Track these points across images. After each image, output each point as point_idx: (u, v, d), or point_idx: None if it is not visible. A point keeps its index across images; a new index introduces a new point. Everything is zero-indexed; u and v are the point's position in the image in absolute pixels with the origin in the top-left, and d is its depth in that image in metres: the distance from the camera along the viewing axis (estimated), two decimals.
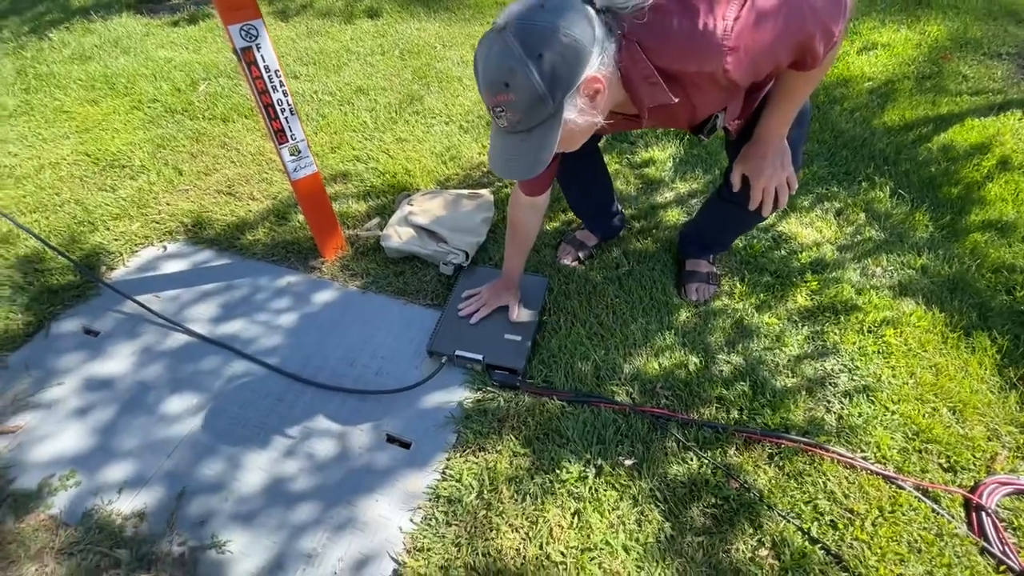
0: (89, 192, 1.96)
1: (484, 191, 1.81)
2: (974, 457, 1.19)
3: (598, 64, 0.79)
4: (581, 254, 1.65)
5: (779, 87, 1.01)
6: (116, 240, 1.77)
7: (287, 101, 1.32)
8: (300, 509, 1.15)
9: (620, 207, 1.70)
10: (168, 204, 1.91)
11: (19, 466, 1.22)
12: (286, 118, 1.34)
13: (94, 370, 1.42)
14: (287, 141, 1.37)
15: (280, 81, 1.29)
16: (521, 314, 1.43)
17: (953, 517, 1.10)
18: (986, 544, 1.06)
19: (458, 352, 1.35)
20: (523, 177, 0.88)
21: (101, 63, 2.75)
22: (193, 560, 1.07)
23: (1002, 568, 1.03)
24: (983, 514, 1.10)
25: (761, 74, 0.89)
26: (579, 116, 0.82)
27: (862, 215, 1.79)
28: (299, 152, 1.41)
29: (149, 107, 2.42)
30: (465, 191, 1.81)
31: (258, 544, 1.10)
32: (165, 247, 1.77)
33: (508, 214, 1.36)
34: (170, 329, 1.51)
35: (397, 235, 1.65)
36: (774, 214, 1.41)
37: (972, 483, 1.16)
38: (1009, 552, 1.05)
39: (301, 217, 1.82)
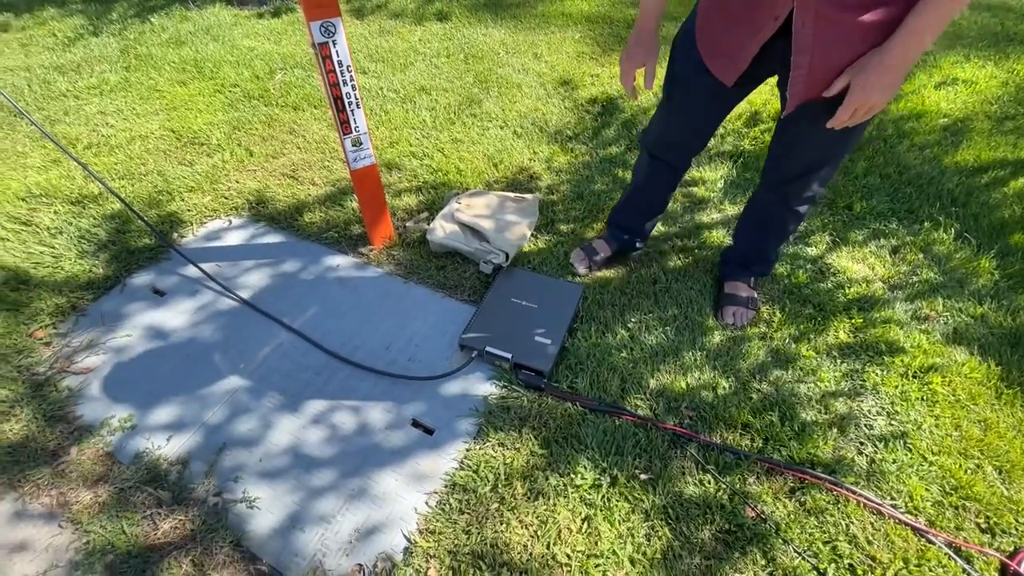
0: (170, 165, 2.13)
1: (530, 195, 1.85)
2: (1018, 522, 1.13)
3: None
4: (595, 261, 1.66)
5: None
6: (189, 211, 1.92)
7: (355, 95, 1.40)
8: (324, 476, 1.22)
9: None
10: (237, 182, 2.05)
11: (86, 403, 1.35)
12: (352, 111, 1.42)
13: (158, 326, 1.55)
14: (351, 132, 1.46)
15: (351, 76, 1.37)
16: (525, 346, 1.37)
17: None
18: None
19: (488, 348, 1.39)
20: None
21: (193, 48, 2.98)
22: (224, 511, 1.16)
23: None
24: None
25: None
26: None
27: (920, 255, 1.72)
28: (360, 144, 1.50)
29: (230, 91, 2.61)
30: (511, 194, 1.86)
31: (280, 502, 1.17)
32: (230, 221, 1.90)
33: None
34: (226, 296, 1.63)
35: (442, 230, 1.71)
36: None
37: (1012, 549, 1.09)
38: None
39: (355, 205, 1.92)
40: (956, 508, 1.15)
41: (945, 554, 1.07)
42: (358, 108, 1.43)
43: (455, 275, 1.68)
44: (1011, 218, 1.82)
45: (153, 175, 2.07)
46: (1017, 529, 1.12)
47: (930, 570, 1.05)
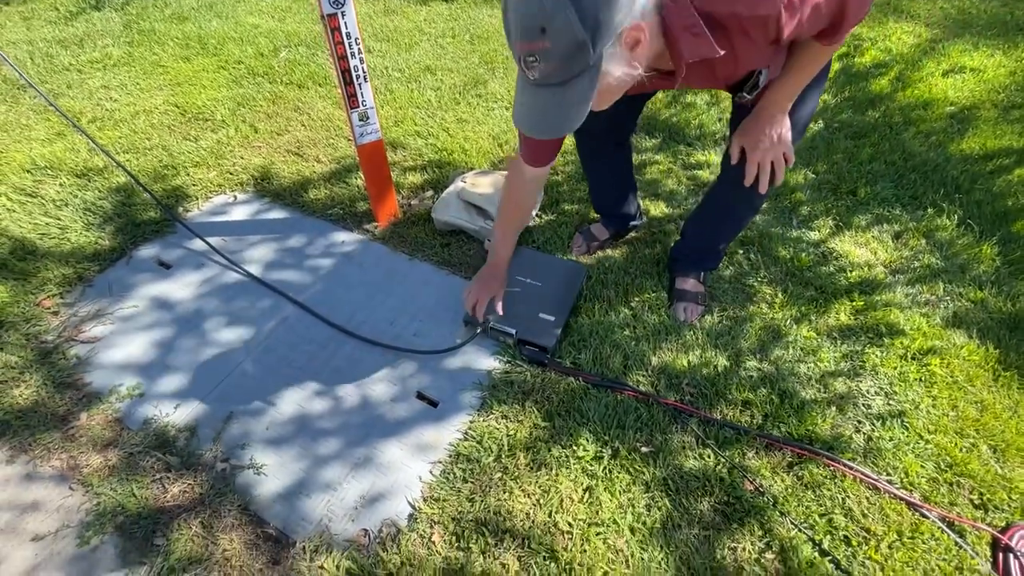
0: (175, 140, 2.13)
1: None
2: (1010, 499, 1.15)
3: (640, 10, 0.72)
4: (592, 246, 1.67)
5: (793, 59, 0.97)
6: (194, 185, 1.92)
7: (362, 68, 1.40)
8: (329, 445, 1.24)
9: (640, 206, 1.70)
10: (242, 158, 2.05)
11: (95, 371, 1.37)
12: (359, 84, 1.42)
13: (164, 297, 1.56)
14: (358, 106, 1.46)
15: (359, 48, 1.37)
16: (530, 323, 1.39)
17: (977, 554, 1.07)
18: None
19: (493, 324, 1.40)
20: (553, 136, 0.83)
21: (196, 24, 2.96)
22: (232, 476, 1.18)
23: None
24: (1011, 556, 1.06)
25: (804, 32, 0.84)
26: (617, 68, 0.75)
27: (923, 241, 1.72)
28: (367, 118, 1.50)
29: (234, 68, 2.59)
30: None
31: (286, 469, 1.19)
32: (235, 196, 1.90)
33: (504, 192, 1.28)
34: (232, 270, 1.64)
35: (447, 208, 1.72)
36: (763, 206, 1.34)
37: (1004, 524, 1.12)
38: None
39: (360, 182, 1.92)
40: (950, 484, 1.17)
41: (938, 528, 1.10)
42: (365, 82, 1.43)
43: (459, 253, 1.69)
44: (1014, 206, 1.83)
45: (158, 149, 2.07)
46: (1010, 505, 1.14)
47: (923, 543, 1.08)
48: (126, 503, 1.12)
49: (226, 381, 1.36)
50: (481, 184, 1.80)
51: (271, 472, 1.20)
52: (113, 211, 1.80)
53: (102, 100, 2.35)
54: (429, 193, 1.89)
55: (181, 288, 1.59)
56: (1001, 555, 1.07)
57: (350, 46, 1.35)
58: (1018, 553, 1.06)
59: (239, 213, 1.84)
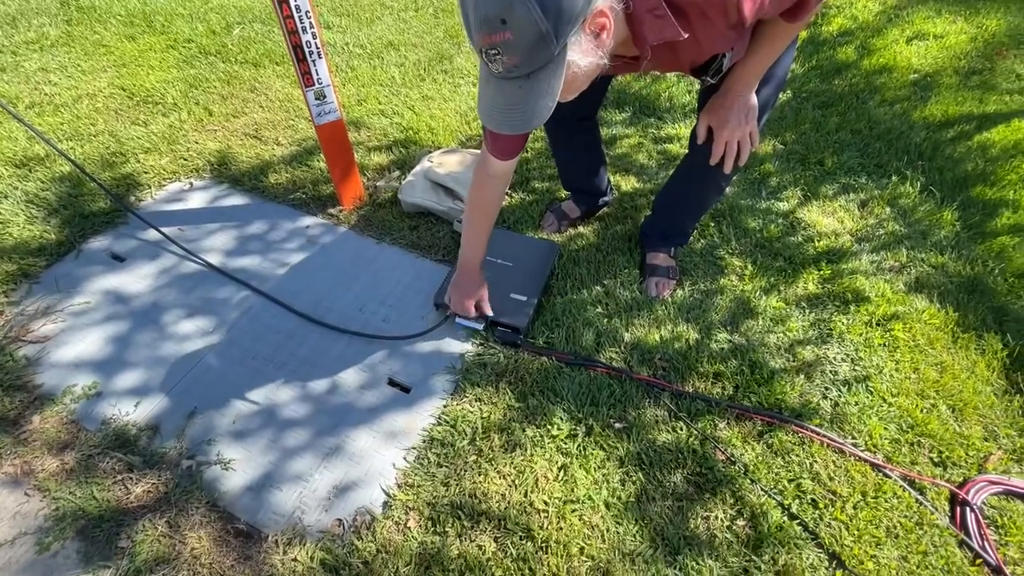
0: (123, 125, 2.01)
1: None
2: (967, 455, 1.19)
3: None
4: (563, 225, 1.64)
5: (759, 37, 0.97)
6: (146, 173, 1.83)
7: (316, 44, 1.33)
8: (299, 436, 1.21)
9: (610, 182, 1.68)
10: (196, 142, 1.95)
11: (46, 371, 1.30)
12: (313, 60, 1.35)
13: (118, 292, 1.49)
14: (313, 84, 1.39)
15: (311, 23, 1.30)
16: (502, 302, 1.37)
17: (936, 509, 1.11)
18: (966, 537, 1.07)
19: (459, 323, 1.37)
20: (521, 130, 0.81)
21: (141, 0, 2.78)
22: (198, 473, 1.14)
23: (978, 561, 1.04)
24: (967, 509, 1.11)
25: (767, 12, 0.84)
26: (583, 57, 0.73)
27: (887, 209, 1.75)
28: (324, 97, 1.43)
29: (184, 47, 2.45)
30: None
31: (255, 463, 1.16)
32: (191, 183, 1.82)
33: (472, 190, 1.20)
34: (190, 260, 1.57)
35: (414, 189, 1.67)
36: (734, 180, 1.29)
37: (961, 479, 1.16)
38: (988, 547, 1.05)
39: (322, 165, 1.85)
40: (912, 444, 1.21)
41: (900, 487, 1.13)
42: (320, 59, 1.36)
43: (428, 235, 1.65)
44: (974, 171, 1.87)
45: (104, 136, 1.95)
46: (967, 462, 1.18)
47: (886, 501, 1.11)
48: (86, 506, 1.08)
49: (188, 376, 1.31)
50: (448, 163, 1.75)
51: (239, 467, 1.16)
52: (58, 202, 1.70)
53: (40, 84, 2.20)
54: (395, 174, 1.83)
55: (136, 281, 1.52)
56: (959, 509, 1.12)
57: (300, 20, 1.28)
58: (974, 507, 1.11)
59: (196, 200, 1.76)
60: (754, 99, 1.05)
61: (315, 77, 1.37)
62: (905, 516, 1.10)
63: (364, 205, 1.73)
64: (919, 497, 1.12)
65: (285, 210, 1.74)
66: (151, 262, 1.57)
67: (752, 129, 1.07)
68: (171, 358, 1.35)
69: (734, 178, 1.36)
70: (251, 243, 1.64)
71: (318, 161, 1.87)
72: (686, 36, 0.79)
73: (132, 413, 1.24)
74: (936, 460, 1.19)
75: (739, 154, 1.09)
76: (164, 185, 1.81)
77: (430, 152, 1.82)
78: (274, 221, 1.70)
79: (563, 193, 1.75)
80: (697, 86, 1.91)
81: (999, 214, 1.72)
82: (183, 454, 1.17)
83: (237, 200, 1.76)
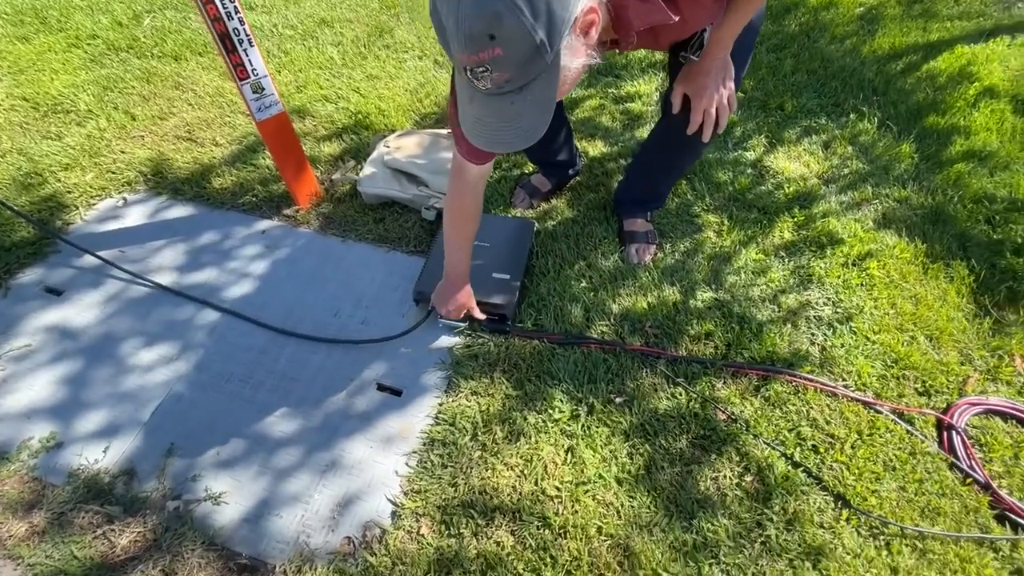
0: (32, 141, 1.80)
1: None
2: (948, 381, 1.24)
3: None
4: (535, 200, 1.59)
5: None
6: (69, 192, 1.65)
7: (244, 31, 1.19)
8: (290, 455, 1.14)
9: (577, 149, 1.62)
10: (123, 152, 1.77)
11: None
12: (245, 50, 1.22)
13: (62, 328, 1.35)
14: (248, 77, 1.26)
15: (235, 7, 1.16)
16: (484, 283, 1.30)
17: (926, 437, 1.15)
18: (955, 460, 1.12)
19: (442, 324, 1.31)
20: (517, 148, 0.74)
21: None
22: (188, 513, 1.07)
23: (968, 481, 1.10)
24: (953, 433, 1.16)
25: None
26: (574, 59, 0.66)
27: (849, 148, 1.77)
28: (262, 89, 1.30)
29: (89, 44, 2.20)
30: (443, 131, 1.72)
31: (247, 492, 1.10)
32: (125, 199, 1.65)
33: (449, 199, 1.12)
34: (139, 283, 1.44)
35: (374, 179, 1.57)
36: (713, 142, 1.26)
37: (945, 405, 1.21)
38: (976, 467, 1.11)
39: (270, 162, 1.72)
40: (897, 378, 1.25)
41: (891, 421, 1.17)
42: (251, 47, 1.23)
43: (396, 226, 1.57)
44: (925, 101, 1.90)
45: (12, 155, 1.74)
46: (948, 387, 1.24)
47: (880, 437, 1.15)
48: (68, 568, 0.99)
49: (158, 410, 1.22)
50: (407, 147, 1.65)
51: (231, 498, 1.09)
52: None
53: None
54: (351, 164, 1.72)
55: (80, 313, 1.38)
56: (945, 434, 1.17)
57: (223, 4, 1.14)
58: (958, 430, 1.16)
59: (133, 217, 1.60)
60: (731, 64, 1.01)
61: (249, 68, 1.24)
62: (899, 448, 1.14)
63: (322, 202, 1.62)
64: (909, 428, 1.17)
65: (235, 216, 1.61)
66: (94, 291, 1.43)
67: (730, 93, 1.03)
68: (136, 393, 1.24)
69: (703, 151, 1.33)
70: (204, 256, 1.51)
71: (264, 159, 1.73)
72: (676, 19, 0.74)
73: (102, 459, 1.14)
74: (920, 390, 1.24)
75: (717, 121, 1.05)
76: (93, 204, 1.64)
77: (385, 136, 1.71)
78: (225, 230, 1.57)
79: (530, 167, 1.68)
80: None
81: (952, 142, 1.77)
82: (167, 495, 1.09)
83: (180, 211, 1.62)
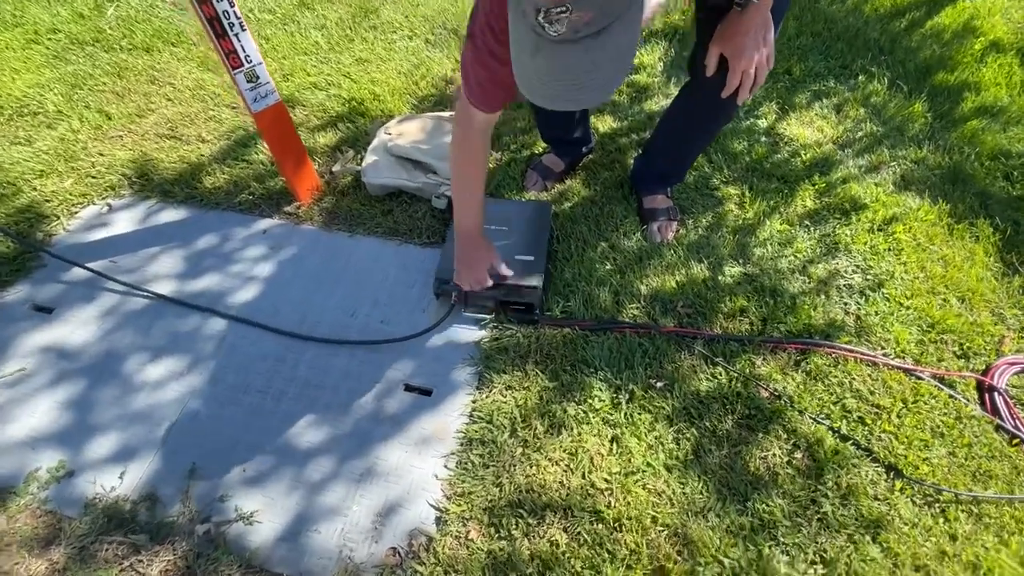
0: None
1: None
2: (984, 342, 1.23)
3: None
4: (548, 182, 1.53)
5: None
6: (48, 201, 1.53)
7: (235, 13, 1.09)
8: (322, 467, 1.09)
9: (591, 129, 1.56)
10: (101, 155, 1.65)
11: None
12: (236, 35, 1.12)
13: (59, 348, 1.26)
14: (241, 65, 1.16)
15: None
16: (509, 266, 1.24)
17: (969, 400, 1.14)
18: (1000, 421, 1.11)
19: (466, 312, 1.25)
20: (591, 104, 0.65)
21: None
22: (220, 535, 1.01)
23: (1015, 442, 1.09)
24: (995, 394, 1.15)
25: None
26: None
27: (861, 110, 1.73)
28: (257, 78, 1.20)
29: (51, 39, 2.04)
30: (446, 114, 1.64)
31: (281, 508, 1.04)
32: (109, 205, 1.54)
33: (453, 148, 1.07)
34: (136, 295, 1.35)
35: (378, 168, 1.48)
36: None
37: (984, 366, 1.20)
38: (1020, 426, 1.10)
39: (263, 157, 1.62)
40: (935, 343, 1.23)
41: (934, 386, 1.16)
42: (243, 31, 1.13)
43: (406, 218, 1.49)
44: (932, 58, 1.87)
45: None
46: (985, 348, 1.22)
47: (924, 403, 1.14)
48: None
49: (174, 429, 1.14)
50: (409, 132, 1.56)
51: (264, 517, 1.04)
52: None
53: None
54: (350, 154, 1.63)
55: (76, 331, 1.29)
56: (987, 395, 1.16)
57: None
58: (1000, 390, 1.15)
59: (121, 224, 1.50)
60: (769, 16, 0.94)
61: (242, 55, 1.14)
62: (944, 414, 1.12)
63: (324, 196, 1.53)
64: (952, 392, 1.15)
65: (233, 216, 1.51)
66: (88, 305, 1.34)
67: (769, 51, 0.96)
68: (147, 412, 1.16)
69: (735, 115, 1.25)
70: (203, 261, 1.42)
71: (257, 153, 1.63)
72: None
73: (119, 486, 1.07)
74: (959, 353, 1.22)
75: (756, 79, 0.99)
76: (76, 212, 1.53)
77: (384, 123, 1.62)
78: (223, 231, 1.48)
79: (540, 147, 1.61)
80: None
81: (964, 98, 1.74)
82: (195, 518, 1.03)
83: (172, 215, 1.52)
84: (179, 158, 1.63)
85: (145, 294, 1.34)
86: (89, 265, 1.37)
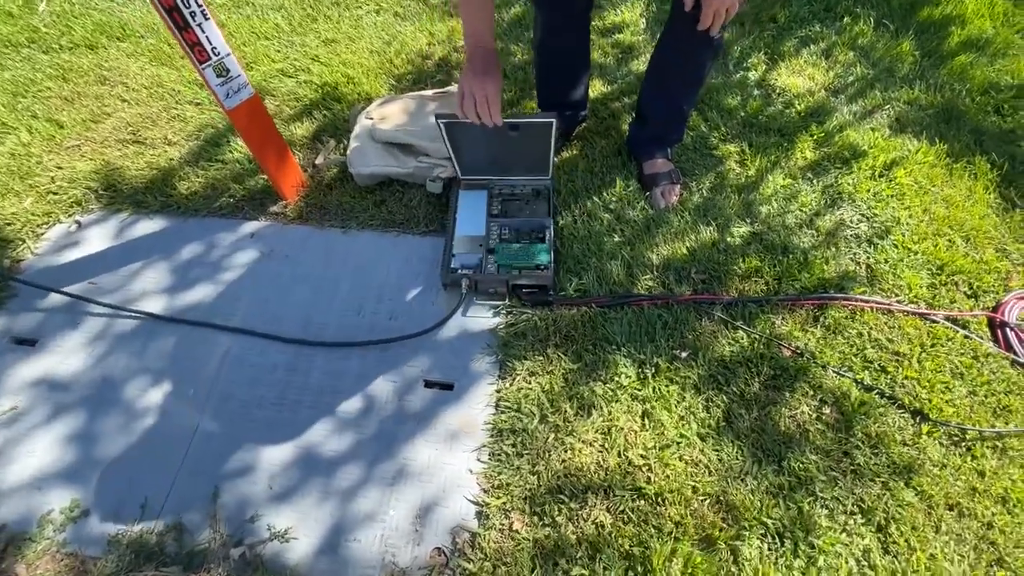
0: None
1: (452, 86, 1.55)
2: (992, 279, 1.25)
3: None
4: None
5: None
6: (9, 225, 1.41)
7: (195, 1, 0.99)
8: (351, 474, 1.05)
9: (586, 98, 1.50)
10: (59, 168, 1.52)
11: (2, 506, 1.03)
12: (199, 25, 1.01)
13: (49, 380, 1.18)
14: (209, 59, 1.06)
15: None
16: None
17: (983, 338, 1.16)
18: (1015, 356, 1.14)
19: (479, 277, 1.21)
20: None
21: None
22: (256, 557, 0.98)
23: None
24: (1007, 329, 1.17)
25: None
26: None
27: (850, 53, 1.70)
28: (227, 71, 1.10)
29: None
30: (428, 91, 1.55)
31: (314, 521, 1.01)
32: (78, 222, 1.43)
33: None
34: (124, 316, 1.26)
35: (365, 156, 1.40)
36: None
37: (994, 304, 1.22)
38: None
39: (239, 155, 1.51)
40: (945, 285, 1.24)
41: (949, 328, 1.17)
42: (207, 20, 1.02)
43: (400, 207, 1.42)
44: None
45: None
46: (993, 286, 1.24)
47: (942, 346, 1.16)
48: None
49: (190, 452, 1.09)
50: (391, 115, 1.48)
51: (299, 532, 1.01)
52: None
53: None
54: (331, 144, 1.54)
55: (64, 361, 1.21)
56: (999, 331, 1.18)
57: None
58: (1011, 326, 1.17)
59: (94, 241, 1.40)
60: None
61: (209, 48, 1.04)
62: (961, 355, 1.14)
63: (310, 192, 1.45)
64: (967, 333, 1.17)
65: (215, 222, 1.42)
66: (73, 332, 1.25)
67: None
68: (158, 438, 1.11)
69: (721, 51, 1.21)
70: (191, 273, 1.34)
71: (231, 151, 1.52)
72: None
73: (140, 519, 1.02)
74: (969, 293, 1.24)
75: (727, 15, 0.96)
76: (41, 233, 1.41)
77: (364, 107, 1.53)
78: (207, 239, 1.39)
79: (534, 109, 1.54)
80: None
81: (949, 33, 1.73)
82: (228, 543, 0.99)
83: (149, 226, 1.42)
84: (146, 164, 1.51)
85: (134, 314, 1.26)
86: (66, 289, 1.28)
